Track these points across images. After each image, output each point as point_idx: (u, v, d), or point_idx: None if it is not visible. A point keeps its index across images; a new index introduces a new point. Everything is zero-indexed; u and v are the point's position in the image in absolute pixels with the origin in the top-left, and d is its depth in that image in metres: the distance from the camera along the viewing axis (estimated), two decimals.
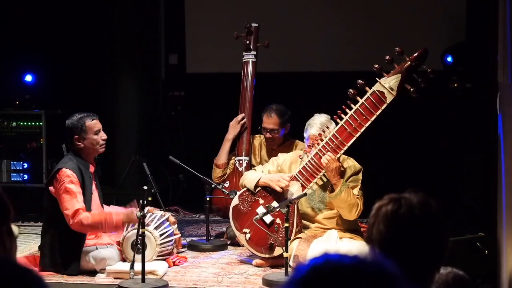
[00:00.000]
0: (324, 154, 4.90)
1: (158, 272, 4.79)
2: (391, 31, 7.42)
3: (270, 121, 5.85)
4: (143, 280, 4.50)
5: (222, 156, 5.99)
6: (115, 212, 4.92)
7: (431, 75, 4.72)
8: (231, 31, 6.16)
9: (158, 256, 4.99)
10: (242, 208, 5.19)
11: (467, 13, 7.37)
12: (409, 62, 4.71)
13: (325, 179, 5.06)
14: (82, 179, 4.87)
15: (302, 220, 5.13)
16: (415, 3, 7.60)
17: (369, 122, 4.80)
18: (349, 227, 5.09)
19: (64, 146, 5.61)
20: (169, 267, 5.03)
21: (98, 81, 7.76)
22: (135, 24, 7.64)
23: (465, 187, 6.74)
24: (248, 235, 5.13)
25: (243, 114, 6.04)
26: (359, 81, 4.82)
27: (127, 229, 4.99)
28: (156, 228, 5.05)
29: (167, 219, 5.24)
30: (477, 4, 7.21)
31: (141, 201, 4.57)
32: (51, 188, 4.86)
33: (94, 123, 4.98)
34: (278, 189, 5.02)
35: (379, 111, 4.78)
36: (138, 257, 4.56)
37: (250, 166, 5.91)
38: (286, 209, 4.66)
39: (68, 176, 4.79)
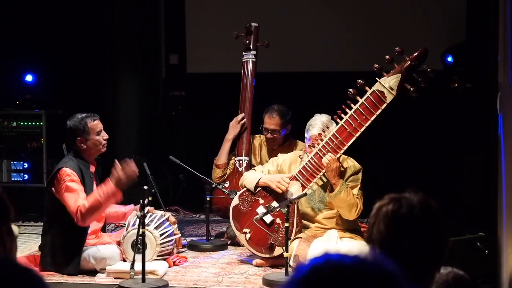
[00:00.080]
0: (324, 154, 4.90)
1: (158, 272, 4.79)
2: (391, 31, 7.42)
3: (272, 121, 5.85)
4: (143, 280, 4.50)
5: (222, 156, 5.99)
6: (101, 186, 4.87)
7: (431, 75, 4.72)
8: (231, 31, 6.16)
9: (158, 256, 4.99)
10: (242, 208, 5.19)
11: (467, 13, 7.37)
12: (409, 62, 4.71)
13: (325, 179, 5.06)
14: (83, 178, 4.87)
15: (302, 220, 5.14)
16: (415, 3, 7.60)
17: (369, 122, 4.80)
18: (349, 227, 5.09)
19: (65, 146, 5.61)
20: (169, 267, 5.03)
21: (98, 81, 7.76)
22: (135, 24, 7.64)
23: (465, 187, 6.74)
24: (248, 235, 5.13)
25: (243, 114, 6.04)
26: (359, 80, 4.82)
27: (127, 229, 4.99)
28: (156, 228, 5.05)
29: (167, 219, 5.24)
30: (477, 4, 7.21)
31: (141, 201, 4.57)
32: (52, 188, 4.86)
33: (96, 124, 4.98)
34: (278, 190, 5.03)
35: (379, 111, 4.78)
36: (138, 257, 4.56)
37: (250, 166, 5.91)
38: (286, 209, 4.66)
39: (69, 174, 4.79)
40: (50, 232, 4.92)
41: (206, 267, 5.13)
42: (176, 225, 5.41)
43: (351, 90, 4.80)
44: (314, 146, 4.98)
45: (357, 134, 4.83)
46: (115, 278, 4.77)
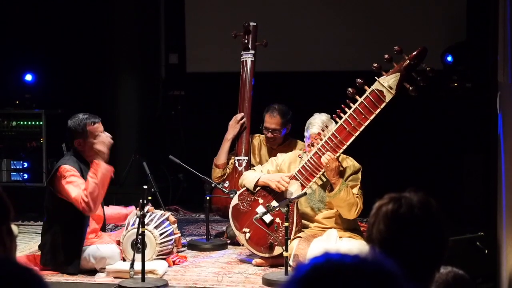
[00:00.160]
0: (323, 153, 4.90)
1: (158, 272, 4.79)
2: (391, 31, 7.42)
3: (272, 121, 5.84)
4: (143, 279, 4.50)
5: (221, 156, 5.98)
6: (91, 170, 4.88)
7: (430, 74, 4.72)
8: (231, 31, 6.15)
9: (158, 255, 4.99)
10: (242, 207, 5.19)
11: (467, 13, 7.37)
12: (408, 61, 4.71)
13: (324, 179, 5.06)
14: (82, 177, 4.86)
15: (302, 220, 5.13)
16: (415, 3, 7.61)
17: (368, 121, 4.80)
18: (348, 226, 5.09)
19: (64, 145, 5.61)
20: (169, 266, 5.03)
21: (98, 81, 7.76)
22: (135, 24, 7.64)
23: (465, 187, 6.74)
24: (248, 235, 5.13)
25: (242, 114, 6.03)
26: (358, 80, 4.81)
27: (127, 229, 4.99)
28: (156, 227, 5.06)
29: (167, 219, 5.24)
30: (477, 4, 7.21)
31: (141, 200, 4.57)
32: (52, 187, 4.85)
33: (95, 127, 4.94)
34: (278, 189, 5.03)
35: (378, 110, 4.78)
36: (138, 256, 4.55)
37: (249, 166, 5.90)
38: (285, 209, 4.66)
39: (69, 170, 4.80)
40: (50, 232, 4.92)
41: (205, 266, 5.13)
42: (176, 225, 5.42)
43: (350, 89, 4.80)
44: (313, 145, 4.98)
45: (357, 134, 4.83)
46: (115, 277, 4.77)
